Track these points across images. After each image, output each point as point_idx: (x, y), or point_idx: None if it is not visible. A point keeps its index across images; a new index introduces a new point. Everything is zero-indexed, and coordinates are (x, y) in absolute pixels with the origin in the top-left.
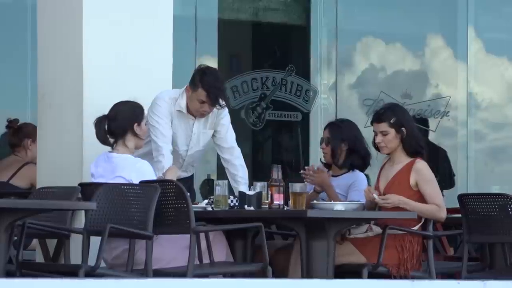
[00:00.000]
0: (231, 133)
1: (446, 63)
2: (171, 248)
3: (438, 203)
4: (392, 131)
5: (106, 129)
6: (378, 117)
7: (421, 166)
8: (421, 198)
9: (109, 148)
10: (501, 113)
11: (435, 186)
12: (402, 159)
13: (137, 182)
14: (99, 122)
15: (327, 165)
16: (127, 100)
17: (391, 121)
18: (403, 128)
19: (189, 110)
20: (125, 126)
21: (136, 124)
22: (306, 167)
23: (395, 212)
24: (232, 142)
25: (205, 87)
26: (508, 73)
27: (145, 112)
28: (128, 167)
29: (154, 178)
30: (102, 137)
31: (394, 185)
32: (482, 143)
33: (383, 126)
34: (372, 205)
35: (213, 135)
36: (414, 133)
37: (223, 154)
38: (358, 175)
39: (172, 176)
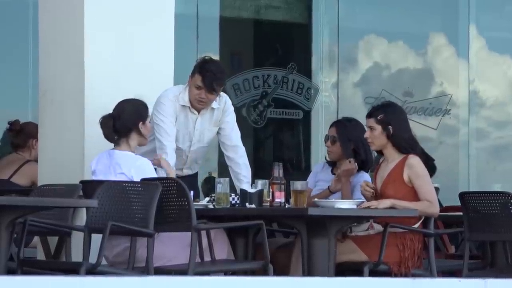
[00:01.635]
0: (236, 132)
1: (448, 62)
2: (172, 246)
3: (430, 198)
4: (378, 128)
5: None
6: (369, 112)
7: (413, 162)
8: (415, 193)
9: (110, 145)
10: (503, 111)
11: (427, 182)
12: (395, 157)
13: (138, 180)
14: (106, 121)
15: (332, 163)
16: (131, 98)
17: (378, 117)
18: (389, 127)
19: (193, 105)
20: (130, 125)
21: (141, 123)
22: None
23: (396, 210)
24: (236, 141)
25: (201, 72)
26: (510, 71)
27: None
28: (128, 164)
29: (154, 175)
30: (107, 135)
31: (389, 183)
32: (484, 141)
33: (371, 122)
34: (371, 200)
35: (218, 133)
36: (402, 133)
37: (227, 152)
38: (363, 176)
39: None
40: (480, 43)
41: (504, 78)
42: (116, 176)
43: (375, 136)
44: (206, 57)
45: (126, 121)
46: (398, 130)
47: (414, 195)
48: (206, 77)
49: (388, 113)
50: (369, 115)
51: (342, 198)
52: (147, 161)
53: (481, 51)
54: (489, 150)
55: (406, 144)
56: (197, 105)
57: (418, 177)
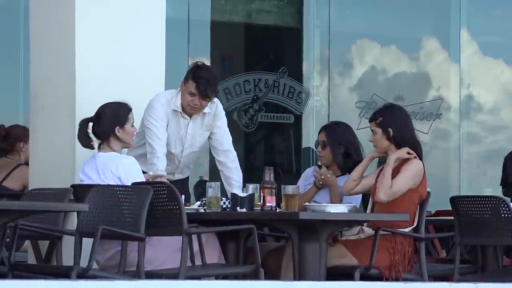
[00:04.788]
0: (227, 136)
1: (439, 66)
2: (164, 250)
3: (394, 187)
4: (379, 131)
5: (90, 131)
6: (371, 116)
7: (413, 162)
8: (411, 199)
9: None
10: (494, 116)
11: (405, 178)
12: (399, 160)
13: (124, 178)
14: (81, 125)
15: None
16: (113, 101)
17: (377, 121)
18: (389, 129)
19: (184, 110)
20: (107, 131)
21: (117, 128)
22: (316, 173)
23: (387, 214)
24: (228, 145)
25: (195, 78)
26: (501, 76)
27: (136, 113)
28: (115, 163)
29: (140, 174)
30: (83, 141)
31: None
32: (475, 146)
33: (372, 125)
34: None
35: (209, 137)
36: (402, 133)
37: (218, 157)
38: None
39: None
40: (471, 47)
41: (496, 82)
42: (105, 176)
43: (377, 139)
44: (199, 63)
45: (103, 126)
46: (398, 131)
47: (409, 200)
48: (200, 84)
49: (387, 116)
50: (370, 119)
51: (331, 202)
52: (132, 159)
53: (472, 55)
54: (480, 154)
55: (408, 144)
56: (190, 111)
57: (403, 171)
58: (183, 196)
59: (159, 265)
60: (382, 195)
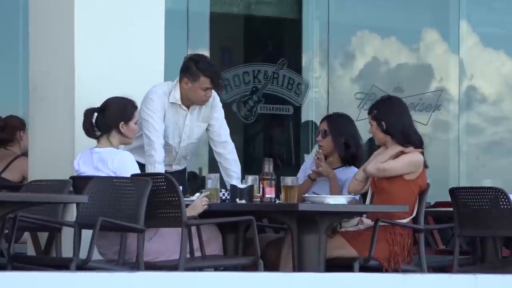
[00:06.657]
0: (225, 128)
1: (439, 57)
2: (173, 240)
3: (383, 165)
4: (374, 124)
5: (94, 121)
6: (368, 109)
7: (411, 153)
8: (410, 190)
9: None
10: (494, 107)
11: (400, 162)
12: (395, 149)
13: (118, 172)
14: (87, 114)
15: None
16: (122, 96)
17: (372, 114)
18: (382, 122)
19: (183, 102)
20: (111, 124)
21: (122, 123)
22: (317, 157)
23: (387, 206)
24: (225, 137)
25: (206, 74)
26: (501, 67)
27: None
28: (111, 158)
29: (136, 168)
30: (86, 129)
31: None
32: (475, 137)
33: (369, 118)
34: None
35: (207, 129)
36: (397, 127)
37: (216, 148)
38: (353, 171)
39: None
40: (471, 38)
41: (496, 74)
42: (102, 172)
43: (373, 132)
44: (193, 56)
45: (107, 119)
46: (391, 123)
47: (408, 191)
48: (214, 78)
49: (381, 108)
50: (368, 112)
51: (331, 194)
52: (128, 153)
53: (472, 47)
54: (480, 146)
55: (400, 136)
56: (201, 103)
57: (404, 156)
58: (181, 187)
59: (170, 256)
60: (371, 167)
